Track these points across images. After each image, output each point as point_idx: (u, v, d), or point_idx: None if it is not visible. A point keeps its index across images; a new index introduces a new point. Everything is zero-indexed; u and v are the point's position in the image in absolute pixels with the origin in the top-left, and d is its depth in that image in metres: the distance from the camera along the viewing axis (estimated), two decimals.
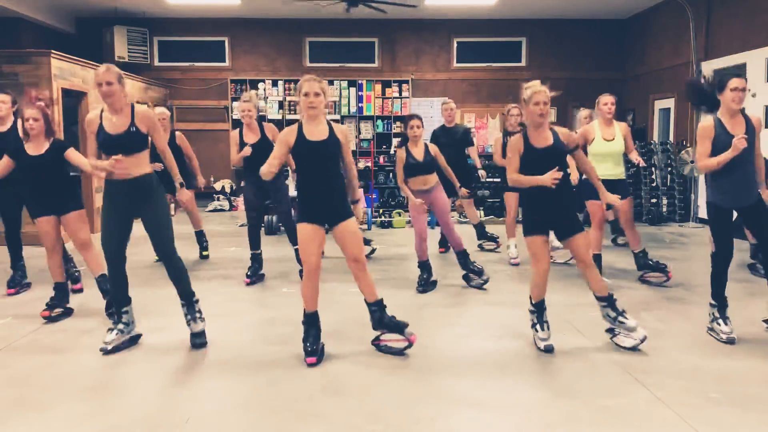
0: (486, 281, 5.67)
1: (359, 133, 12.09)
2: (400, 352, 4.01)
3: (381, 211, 10.03)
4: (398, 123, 11.96)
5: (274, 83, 11.99)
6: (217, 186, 11.85)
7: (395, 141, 11.59)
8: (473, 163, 7.26)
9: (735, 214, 4.26)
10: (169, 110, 7.52)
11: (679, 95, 10.17)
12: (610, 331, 4.16)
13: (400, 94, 12.05)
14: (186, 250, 4.18)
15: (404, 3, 9.30)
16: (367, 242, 6.95)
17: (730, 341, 4.12)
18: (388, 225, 9.62)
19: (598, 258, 5.56)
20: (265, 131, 5.83)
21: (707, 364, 3.79)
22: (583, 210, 5.99)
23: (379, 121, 12.14)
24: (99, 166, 4.03)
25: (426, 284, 5.63)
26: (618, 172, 5.68)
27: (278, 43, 12.09)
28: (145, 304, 4.92)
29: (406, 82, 12.09)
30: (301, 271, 6.02)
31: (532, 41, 12.25)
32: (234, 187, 11.90)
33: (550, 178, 3.85)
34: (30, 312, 4.89)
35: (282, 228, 8.79)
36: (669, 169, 9.91)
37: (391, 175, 11.58)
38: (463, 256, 5.68)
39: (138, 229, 4.21)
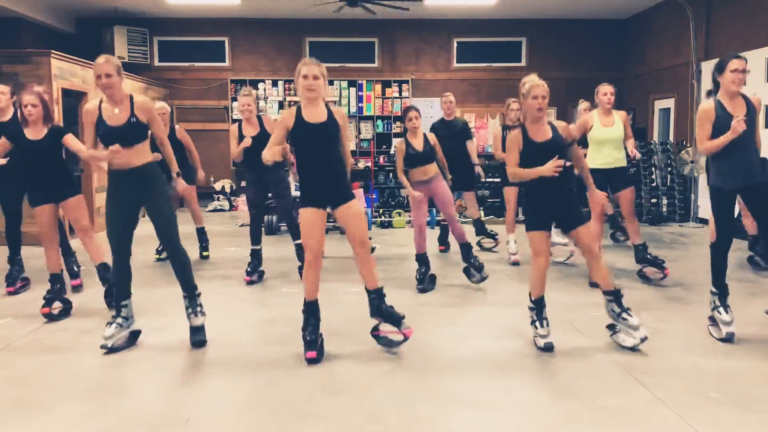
0: (485, 278, 5.66)
1: (359, 133, 12.09)
2: (396, 345, 4.00)
3: (381, 211, 10.03)
4: (398, 123, 11.96)
5: (274, 83, 11.99)
6: (217, 186, 11.85)
7: (395, 141, 11.59)
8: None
9: (734, 215, 4.26)
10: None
11: (680, 95, 10.18)
12: (610, 327, 4.15)
13: (400, 94, 12.05)
14: (186, 249, 4.19)
15: (400, 6, 9.29)
16: None
17: (729, 336, 4.11)
18: (388, 225, 9.62)
19: None
20: (264, 125, 5.84)
21: (707, 364, 3.78)
22: (586, 203, 5.99)
23: (379, 121, 12.14)
24: (97, 155, 4.06)
25: (424, 278, 5.64)
26: (618, 158, 5.68)
27: (278, 43, 12.09)
28: (145, 304, 4.92)
29: (406, 82, 12.09)
30: (300, 269, 6.05)
31: (532, 41, 12.25)
32: (234, 187, 11.90)
33: (551, 167, 3.85)
34: (30, 312, 4.89)
35: (282, 227, 8.82)
36: (669, 169, 9.91)
37: (391, 175, 11.57)
38: (466, 249, 5.68)
39: (138, 228, 4.21)
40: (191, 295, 4.20)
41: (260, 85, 11.93)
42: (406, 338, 4.00)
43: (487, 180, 10.75)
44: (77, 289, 5.56)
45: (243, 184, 6.17)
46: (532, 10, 11.37)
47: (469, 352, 4.04)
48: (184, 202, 6.72)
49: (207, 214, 10.87)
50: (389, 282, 5.85)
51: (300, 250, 6.05)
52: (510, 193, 6.72)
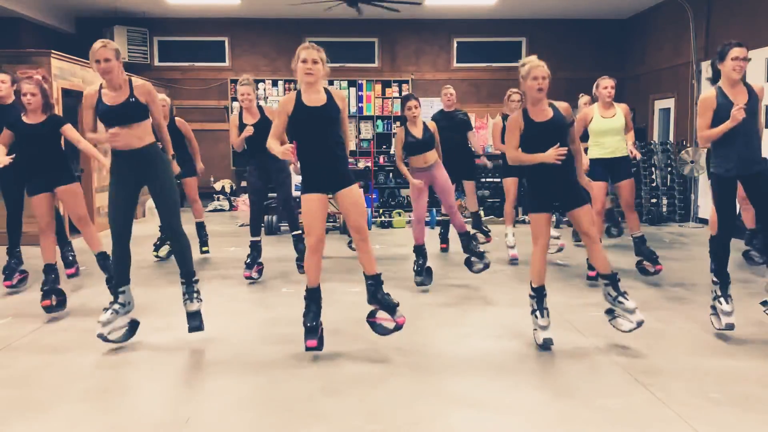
0: (487, 265, 5.64)
1: (359, 133, 12.09)
2: (390, 332, 3.99)
3: (381, 211, 10.03)
4: (398, 123, 11.96)
5: (274, 83, 11.99)
6: (217, 186, 11.84)
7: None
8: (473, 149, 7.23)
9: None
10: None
11: (680, 95, 10.18)
12: (609, 312, 4.13)
13: (400, 94, 12.03)
14: None
15: (393, 8, 9.27)
16: None
17: (729, 326, 4.11)
18: (388, 225, 9.62)
19: None
20: (265, 113, 5.82)
21: (707, 364, 3.78)
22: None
23: (379, 121, 12.14)
24: (96, 138, 4.13)
25: (422, 270, 5.64)
26: (619, 147, 5.68)
27: (278, 43, 12.09)
28: (145, 304, 4.91)
29: (406, 82, 12.09)
30: (298, 261, 6.05)
31: (532, 41, 12.24)
32: (234, 187, 11.90)
33: (553, 154, 3.83)
34: (30, 312, 4.88)
35: (282, 227, 8.82)
36: (669, 169, 9.91)
37: (391, 174, 11.58)
38: (466, 237, 5.68)
39: (138, 228, 4.22)
40: (188, 281, 4.20)
41: (260, 85, 11.92)
42: (398, 326, 3.96)
43: (487, 180, 10.76)
44: (72, 276, 5.58)
45: (243, 184, 6.17)
46: (532, 10, 11.37)
47: (469, 352, 4.03)
48: (184, 195, 6.71)
49: (207, 214, 10.84)
50: (389, 282, 5.82)
51: (298, 241, 6.04)
52: (510, 184, 6.68)
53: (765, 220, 4.22)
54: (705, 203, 9.18)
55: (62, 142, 5.13)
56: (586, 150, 5.65)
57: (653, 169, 9.99)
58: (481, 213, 7.49)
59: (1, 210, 5.71)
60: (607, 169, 5.70)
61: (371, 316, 4.09)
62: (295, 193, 6.98)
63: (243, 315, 4.93)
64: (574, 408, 3.21)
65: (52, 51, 7.92)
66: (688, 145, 9.52)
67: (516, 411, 3.19)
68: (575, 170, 4.11)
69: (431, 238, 7.55)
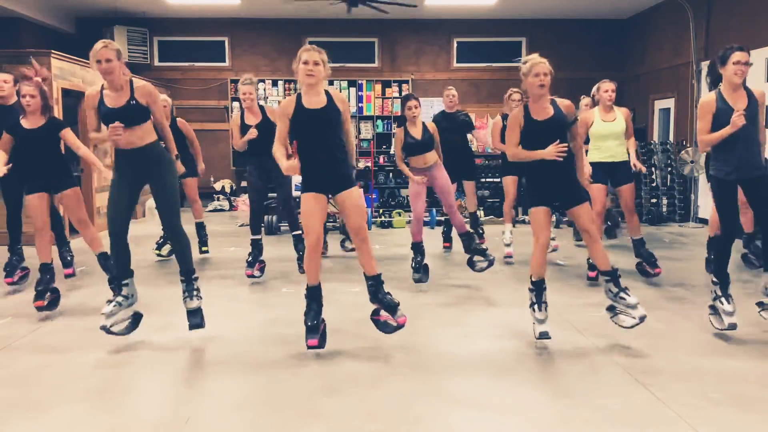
0: (491, 262, 5.64)
1: (359, 133, 12.09)
2: (391, 331, 4.00)
3: (381, 211, 10.03)
4: (396, 123, 11.96)
5: (274, 83, 11.99)
6: (217, 186, 11.84)
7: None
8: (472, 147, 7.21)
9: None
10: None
11: (680, 95, 10.18)
12: (610, 309, 4.14)
13: (400, 94, 12.03)
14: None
15: (383, 10, 9.27)
16: None
17: (731, 326, 4.11)
18: (388, 225, 9.62)
19: None
20: (267, 113, 5.82)
21: (707, 364, 3.78)
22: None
23: (379, 121, 12.14)
24: (99, 137, 4.12)
25: (420, 267, 5.64)
26: (620, 152, 5.68)
27: (278, 43, 12.09)
28: (145, 304, 4.90)
29: (406, 82, 12.09)
30: (299, 260, 6.05)
31: (532, 41, 12.24)
32: (234, 187, 11.89)
33: (553, 151, 3.83)
34: (30, 312, 4.88)
35: (282, 227, 8.82)
36: (669, 169, 9.91)
37: (391, 175, 11.58)
38: (467, 237, 5.68)
39: (138, 228, 4.21)
40: (188, 279, 4.21)
41: (260, 85, 11.92)
42: (399, 326, 3.98)
43: (487, 180, 10.76)
44: (70, 277, 5.58)
45: (243, 184, 6.18)
46: (532, 10, 11.36)
47: (469, 352, 4.03)
48: (185, 195, 6.72)
49: (207, 214, 10.85)
50: (389, 282, 5.81)
51: (298, 241, 6.04)
52: (509, 183, 6.68)
53: (764, 224, 4.22)
54: (705, 203, 9.18)
55: (62, 145, 5.13)
56: (586, 152, 5.65)
57: (653, 169, 9.99)
58: (480, 213, 7.48)
59: (1, 210, 5.71)
60: (608, 172, 5.70)
61: (375, 314, 4.09)
62: (295, 193, 6.99)
63: (243, 315, 4.93)
64: (574, 408, 3.21)
65: (52, 51, 7.92)
66: (688, 145, 9.53)
67: (516, 411, 3.19)
68: (575, 168, 4.11)
69: (433, 238, 7.57)
